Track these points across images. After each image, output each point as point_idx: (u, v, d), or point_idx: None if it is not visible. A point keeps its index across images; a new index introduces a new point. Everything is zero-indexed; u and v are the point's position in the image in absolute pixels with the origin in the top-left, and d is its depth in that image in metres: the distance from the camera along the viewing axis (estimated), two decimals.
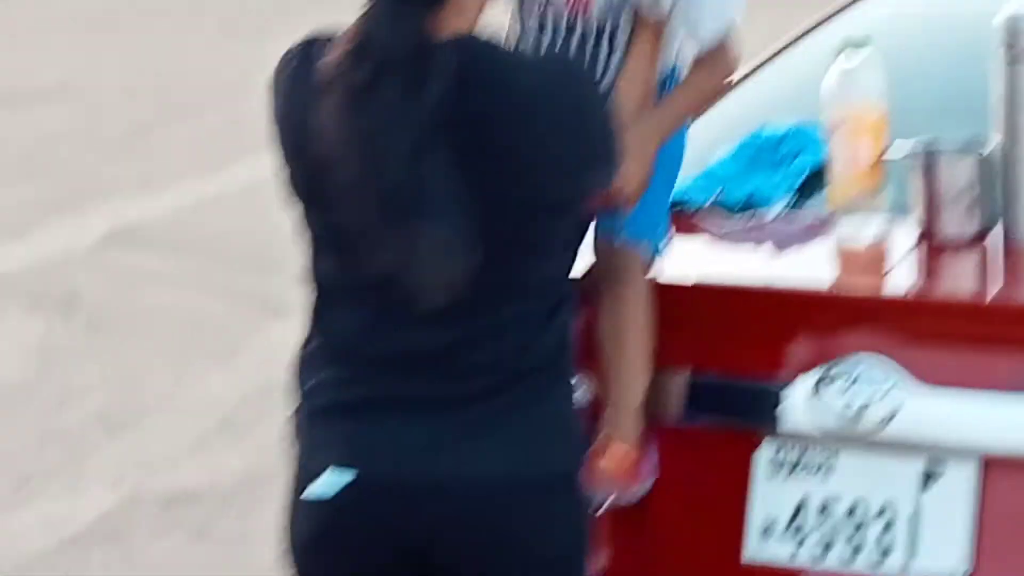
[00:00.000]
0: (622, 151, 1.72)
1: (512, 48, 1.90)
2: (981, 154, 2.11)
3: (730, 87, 2.21)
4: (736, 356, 2.03)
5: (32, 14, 12.75)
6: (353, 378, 1.68)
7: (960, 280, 2.22)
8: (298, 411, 1.73)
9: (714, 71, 1.97)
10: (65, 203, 7.70)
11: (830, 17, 2.94)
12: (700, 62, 1.94)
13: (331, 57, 1.65)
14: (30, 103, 9.72)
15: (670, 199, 2.05)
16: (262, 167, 5.65)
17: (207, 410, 4.81)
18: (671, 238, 2.00)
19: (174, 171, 8.29)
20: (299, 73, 1.70)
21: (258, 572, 3.45)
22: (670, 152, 1.92)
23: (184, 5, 14.17)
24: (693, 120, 2.04)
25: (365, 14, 1.65)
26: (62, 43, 11.93)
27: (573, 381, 1.78)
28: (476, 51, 1.65)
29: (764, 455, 1.98)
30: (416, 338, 1.63)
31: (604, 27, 1.90)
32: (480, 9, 1.75)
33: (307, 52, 1.69)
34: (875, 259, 2.09)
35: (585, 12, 1.91)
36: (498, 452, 1.65)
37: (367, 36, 1.64)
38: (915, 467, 1.90)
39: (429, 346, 1.62)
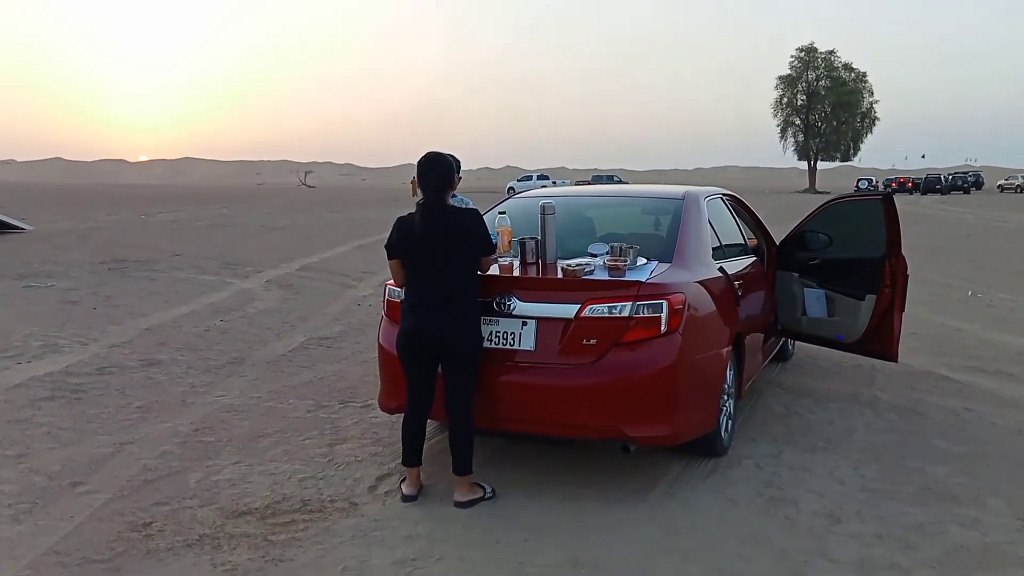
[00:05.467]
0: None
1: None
2: (536, 240, 5.57)
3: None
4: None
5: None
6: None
7: (530, 271, 5.49)
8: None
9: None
10: (285, 258, 15.85)
11: (498, 203, 6.31)
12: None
13: (416, 213, 5.16)
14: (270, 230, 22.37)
15: None
16: (327, 255, 16.37)
17: (335, 317, 10.11)
18: None
19: (313, 252, 16.97)
20: (404, 219, 5.25)
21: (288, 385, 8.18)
22: None
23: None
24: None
25: (422, 200, 5.16)
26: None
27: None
28: (451, 209, 5.13)
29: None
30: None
31: None
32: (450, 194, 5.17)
33: (403, 218, 5.28)
34: (510, 268, 5.46)
35: None
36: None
37: (423, 205, 5.13)
38: (520, 322, 5.25)
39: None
